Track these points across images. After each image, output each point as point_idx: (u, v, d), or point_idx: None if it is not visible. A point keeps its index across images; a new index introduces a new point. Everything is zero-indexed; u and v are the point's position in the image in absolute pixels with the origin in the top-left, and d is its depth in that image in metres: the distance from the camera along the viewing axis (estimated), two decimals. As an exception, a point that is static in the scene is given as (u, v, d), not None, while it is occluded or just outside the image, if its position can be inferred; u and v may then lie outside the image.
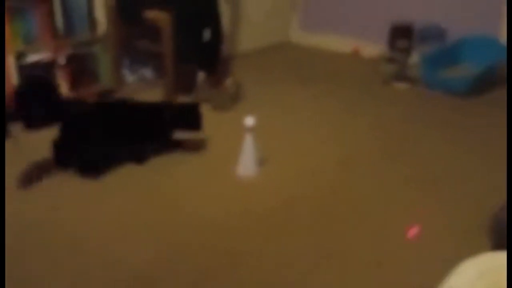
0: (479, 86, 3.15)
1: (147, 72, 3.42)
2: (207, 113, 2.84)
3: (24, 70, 2.58)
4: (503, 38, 3.35)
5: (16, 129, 2.51)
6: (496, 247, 1.51)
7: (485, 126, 2.75)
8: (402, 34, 3.61)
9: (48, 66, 2.69)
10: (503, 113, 2.91)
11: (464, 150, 2.44)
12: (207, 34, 3.04)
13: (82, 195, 2.02)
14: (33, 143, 2.42)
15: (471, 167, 2.28)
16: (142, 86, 3.28)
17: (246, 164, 2.18)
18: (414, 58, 3.58)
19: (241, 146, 2.16)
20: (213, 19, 3.05)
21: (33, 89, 2.49)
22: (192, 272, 1.58)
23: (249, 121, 2.11)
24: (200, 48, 3.02)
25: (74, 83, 2.83)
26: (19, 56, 2.56)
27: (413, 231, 1.70)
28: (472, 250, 1.12)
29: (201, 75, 3.05)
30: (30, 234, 1.77)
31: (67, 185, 2.08)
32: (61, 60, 2.72)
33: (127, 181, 2.12)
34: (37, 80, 2.56)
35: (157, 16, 2.81)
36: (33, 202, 1.96)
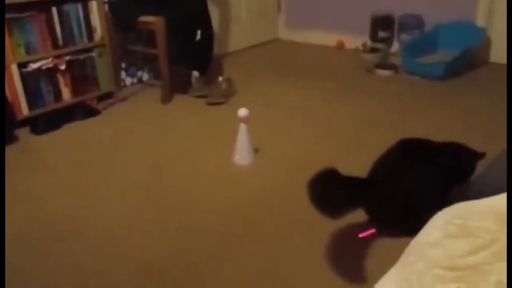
0: (456, 69, 3.33)
1: (144, 75, 3.57)
2: (203, 109, 3.01)
3: (27, 77, 2.72)
4: (479, 20, 3.52)
5: (23, 134, 2.67)
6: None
7: (462, 104, 2.91)
8: (383, 25, 3.79)
9: (49, 73, 2.82)
10: (478, 92, 3.12)
11: (442, 125, 2.60)
12: (198, 36, 3.17)
13: (95, 190, 2.14)
14: (39, 147, 2.56)
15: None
16: (140, 88, 3.44)
17: (242, 153, 2.31)
18: (395, 46, 3.76)
19: (237, 137, 2.29)
20: (204, 22, 3.18)
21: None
22: (194, 254, 1.68)
23: (242, 112, 2.23)
24: (193, 49, 3.14)
25: (75, 88, 2.96)
26: (22, 65, 2.69)
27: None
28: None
29: (194, 74, 3.20)
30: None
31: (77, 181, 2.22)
32: (62, 66, 2.86)
33: (131, 176, 2.26)
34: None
35: (151, 21, 2.95)
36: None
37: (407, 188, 1.66)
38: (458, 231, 1.02)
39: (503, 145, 2.09)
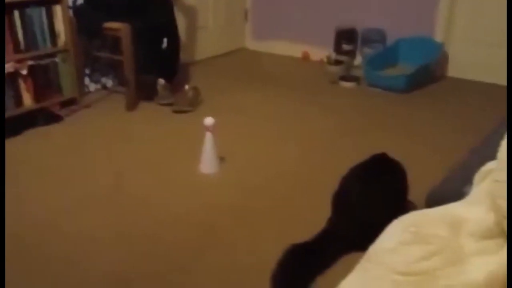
0: (416, 82, 3.45)
1: (108, 81, 3.53)
2: (169, 117, 3.01)
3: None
4: (438, 36, 3.67)
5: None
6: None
7: (419, 115, 3.04)
8: (346, 38, 3.89)
9: (10, 77, 2.74)
10: (435, 105, 3.24)
11: (402, 136, 2.69)
12: (165, 44, 3.17)
13: (57, 205, 2.11)
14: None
15: (404, 152, 2.50)
16: (104, 94, 3.39)
17: (208, 162, 2.31)
18: (358, 59, 3.86)
19: (202, 145, 2.29)
20: (170, 29, 3.18)
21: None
22: (158, 263, 1.67)
23: (208, 121, 2.24)
24: (159, 57, 3.14)
25: (37, 93, 2.89)
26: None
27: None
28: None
29: (160, 82, 3.19)
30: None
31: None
32: (23, 71, 2.79)
33: (95, 185, 2.23)
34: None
35: (117, 27, 2.93)
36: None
37: (358, 218, 1.72)
38: (413, 238, 1.07)
39: (455, 155, 2.15)
